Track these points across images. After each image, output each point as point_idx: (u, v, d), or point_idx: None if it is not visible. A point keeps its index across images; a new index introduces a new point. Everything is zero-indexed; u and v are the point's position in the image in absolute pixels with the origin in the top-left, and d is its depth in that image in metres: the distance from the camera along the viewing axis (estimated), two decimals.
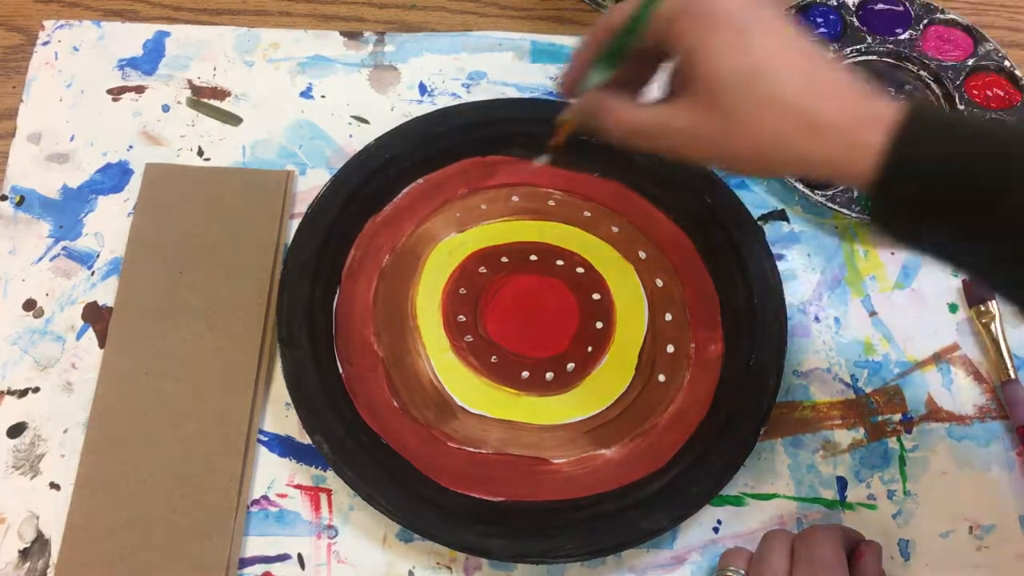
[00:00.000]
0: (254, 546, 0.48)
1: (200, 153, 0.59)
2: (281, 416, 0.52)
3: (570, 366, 0.53)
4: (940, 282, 0.57)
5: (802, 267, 0.57)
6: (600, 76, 0.42)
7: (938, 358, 0.55)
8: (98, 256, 0.56)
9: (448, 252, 0.56)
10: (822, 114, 0.36)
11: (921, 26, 0.64)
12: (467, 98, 0.61)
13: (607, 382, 0.53)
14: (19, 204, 0.57)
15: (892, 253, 0.58)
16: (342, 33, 0.64)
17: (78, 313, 0.54)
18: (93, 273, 0.55)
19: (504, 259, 0.56)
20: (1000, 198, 0.34)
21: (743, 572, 0.45)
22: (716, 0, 0.38)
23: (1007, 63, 0.63)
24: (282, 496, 0.50)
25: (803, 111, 0.37)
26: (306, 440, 0.50)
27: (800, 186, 0.57)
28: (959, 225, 0.35)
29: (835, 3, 0.65)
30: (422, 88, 0.62)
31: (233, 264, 0.54)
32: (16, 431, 0.51)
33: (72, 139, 0.59)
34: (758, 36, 0.37)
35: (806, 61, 0.37)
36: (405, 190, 0.57)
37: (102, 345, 0.53)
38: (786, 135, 0.37)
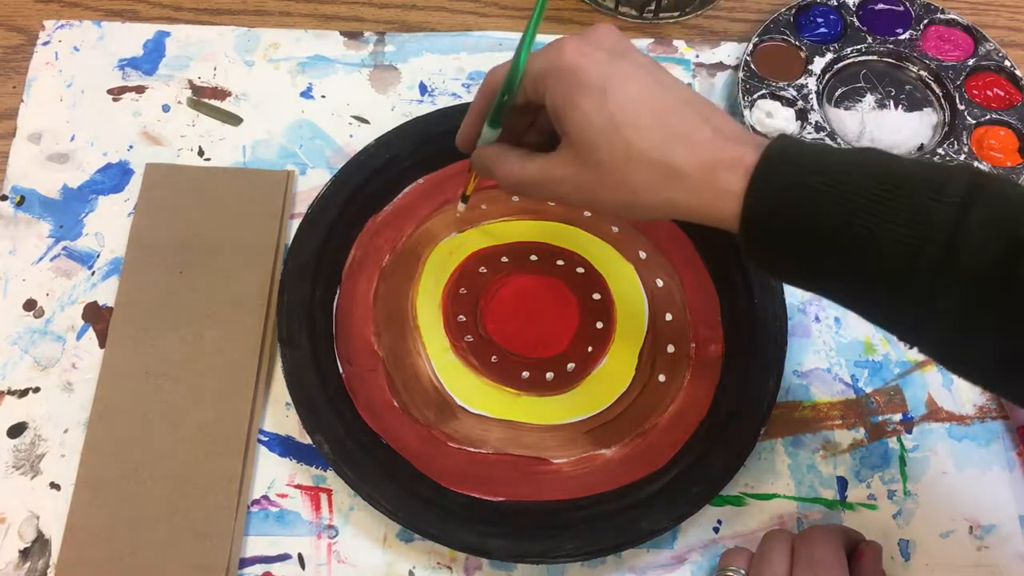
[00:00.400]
0: (254, 546, 0.48)
1: (200, 153, 0.59)
2: (281, 416, 0.52)
3: (570, 366, 0.53)
4: None
5: None
6: (490, 133, 0.45)
7: None
8: (98, 256, 0.56)
9: (448, 252, 0.56)
10: (681, 162, 0.38)
11: (921, 26, 0.64)
12: (467, 98, 0.61)
13: (607, 382, 0.53)
14: (19, 204, 0.57)
15: None
16: (342, 33, 0.64)
17: (78, 313, 0.54)
18: (93, 273, 0.55)
19: (504, 259, 0.56)
20: (840, 238, 0.35)
21: (743, 572, 0.45)
22: (577, 56, 0.40)
23: (1007, 63, 0.63)
24: (282, 496, 0.50)
25: (662, 160, 0.38)
26: (306, 440, 0.50)
27: None
28: (814, 266, 0.37)
29: (835, 3, 0.65)
30: (422, 88, 0.62)
31: (233, 264, 0.54)
32: (16, 431, 0.51)
33: (72, 139, 0.59)
34: (616, 89, 0.39)
35: (664, 109, 0.39)
36: (405, 190, 0.57)
37: (102, 345, 0.53)
38: (651, 184, 0.39)
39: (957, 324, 0.34)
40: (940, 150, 0.59)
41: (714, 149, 0.38)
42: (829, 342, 0.55)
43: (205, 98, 0.61)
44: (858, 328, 0.55)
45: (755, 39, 0.63)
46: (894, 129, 0.61)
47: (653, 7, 0.65)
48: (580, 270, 0.56)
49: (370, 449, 0.49)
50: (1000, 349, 0.34)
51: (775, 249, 0.37)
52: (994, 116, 0.61)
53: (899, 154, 0.37)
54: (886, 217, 0.34)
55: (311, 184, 0.58)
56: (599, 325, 0.54)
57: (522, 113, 0.45)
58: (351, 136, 0.60)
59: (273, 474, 0.50)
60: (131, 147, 0.59)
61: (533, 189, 0.43)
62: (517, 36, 0.64)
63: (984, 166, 0.58)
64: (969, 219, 0.33)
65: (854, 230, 0.34)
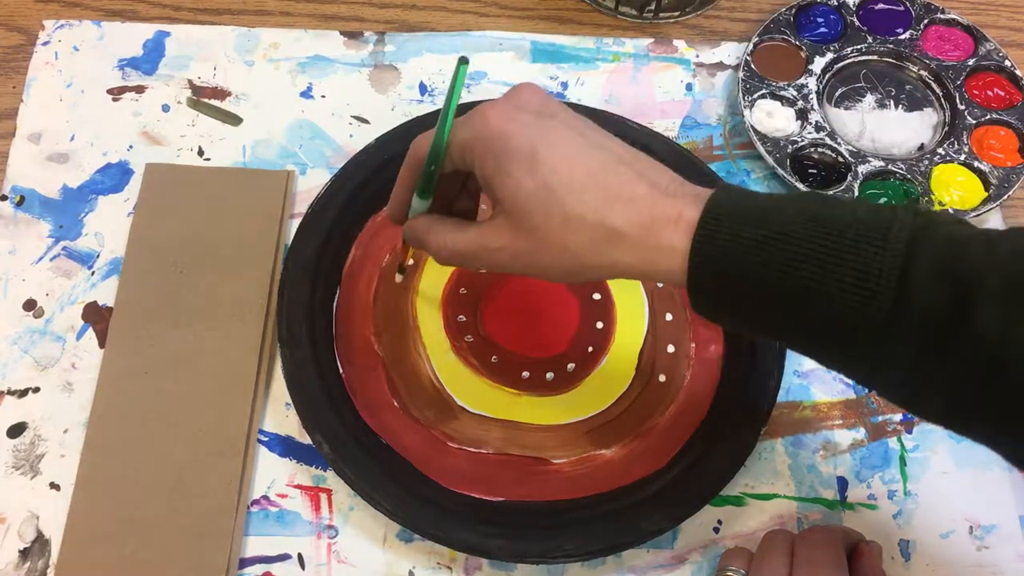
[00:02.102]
0: (254, 546, 0.48)
1: (200, 153, 0.59)
2: (281, 416, 0.52)
3: (570, 366, 0.53)
4: None
5: None
6: (420, 204, 0.43)
7: None
8: (98, 256, 0.56)
9: None
10: (619, 223, 0.37)
11: (921, 26, 0.64)
12: (467, 98, 0.61)
13: (607, 382, 0.53)
14: (19, 204, 0.57)
15: None
16: (342, 33, 0.64)
17: (78, 313, 0.54)
18: (93, 273, 0.55)
19: None
20: (787, 291, 0.34)
21: (743, 572, 0.45)
22: (503, 122, 0.39)
23: (1007, 63, 0.63)
24: (282, 496, 0.50)
25: (599, 223, 0.37)
26: (306, 440, 0.50)
27: (800, 186, 0.57)
28: (763, 319, 0.36)
29: (835, 3, 0.65)
30: (422, 88, 0.62)
31: (233, 264, 0.54)
32: (16, 431, 0.51)
33: (72, 139, 0.59)
34: (546, 152, 0.38)
35: (597, 169, 0.38)
36: None
37: (102, 345, 0.53)
38: (591, 246, 0.38)
39: (910, 370, 0.34)
40: (940, 150, 0.59)
41: (652, 206, 0.37)
42: None
43: (205, 98, 0.61)
44: None
45: (755, 39, 0.63)
46: (894, 129, 0.61)
47: (653, 7, 0.65)
48: None
49: (370, 449, 0.49)
50: (953, 393, 0.33)
51: (722, 304, 0.37)
52: (994, 116, 0.61)
53: (841, 196, 0.36)
54: (832, 269, 0.33)
55: (311, 184, 0.58)
56: (599, 325, 0.54)
57: (451, 181, 0.44)
58: (351, 136, 0.60)
59: (273, 474, 0.50)
60: (131, 147, 0.59)
61: (469, 260, 0.42)
62: (517, 36, 0.64)
63: (984, 166, 0.58)
64: (916, 265, 0.32)
65: (801, 283, 0.34)
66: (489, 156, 0.39)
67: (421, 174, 0.42)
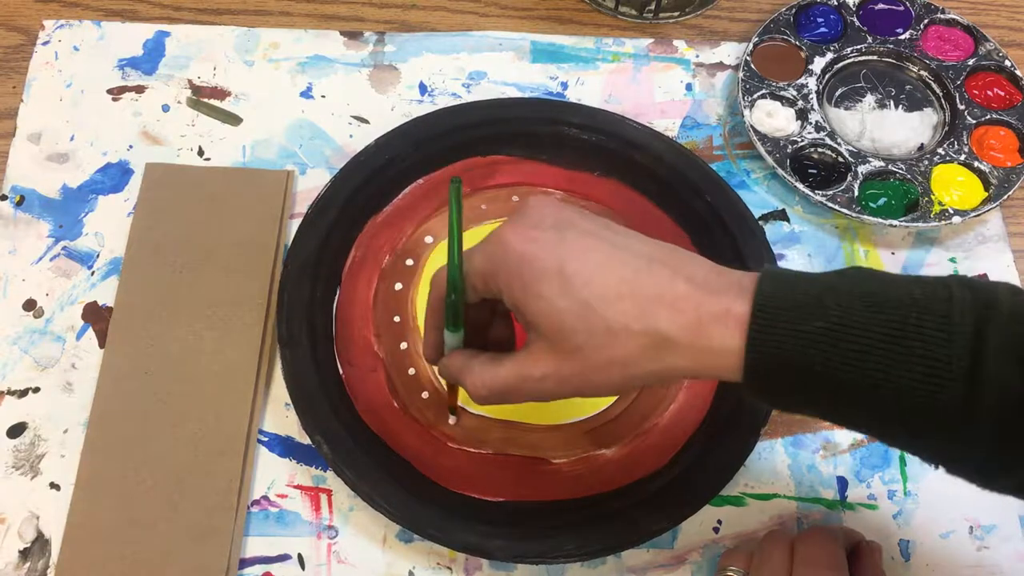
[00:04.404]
0: (254, 546, 0.48)
1: (200, 153, 0.59)
2: (281, 416, 0.52)
3: None
4: None
5: (802, 267, 0.57)
6: (452, 337, 0.42)
7: None
8: (98, 256, 0.56)
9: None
10: (665, 328, 0.36)
11: (921, 26, 0.64)
12: (467, 98, 0.61)
13: None
14: (19, 204, 0.57)
15: (892, 253, 0.58)
16: (342, 33, 0.64)
17: (78, 313, 0.54)
18: (93, 273, 0.55)
19: None
20: (852, 382, 0.33)
21: (743, 572, 0.45)
22: (523, 244, 0.37)
23: (1007, 63, 0.63)
24: (282, 496, 0.50)
25: (645, 330, 0.36)
26: (306, 440, 0.50)
27: (800, 186, 0.57)
28: (828, 407, 0.36)
29: (835, 3, 0.65)
30: (422, 88, 0.62)
31: (233, 264, 0.54)
32: (16, 431, 0.51)
33: (72, 139, 0.59)
34: (573, 268, 0.36)
35: (629, 273, 0.36)
36: (405, 190, 0.57)
37: (102, 345, 0.53)
38: (640, 356, 0.36)
39: (991, 453, 0.33)
40: (940, 150, 0.59)
41: (697, 306, 0.35)
42: None
43: (205, 98, 0.61)
44: None
45: (755, 39, 0.63)
46: (894, 129, 0.61)
47: (653, 7, 0.65)
48: None
49: (370, 449, 0.49)
50: None
51: (781, 397, 0.36)
52: (994, 116, 0.61)
53: (888, 274, 0.36)
54: (900, 361, 0.32)
55: (311, 184, 0.58)
56: None
57: (480, 308, 0.42)
58: (351, 136, 0.60)
59: (273, 474, 0.50)
60: (131, 147, 0.59)
61: (511, 395, 0.40)
62: (517, 36, 0.64)
63: (984, 166, 0.58)
64: (985, 349, 0.31)
65: (867, 377, 0.33)
66: (516, 282, 0.37)
67: (445, 308, 0.41)
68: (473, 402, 0.42)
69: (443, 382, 0.52)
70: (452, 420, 0.51)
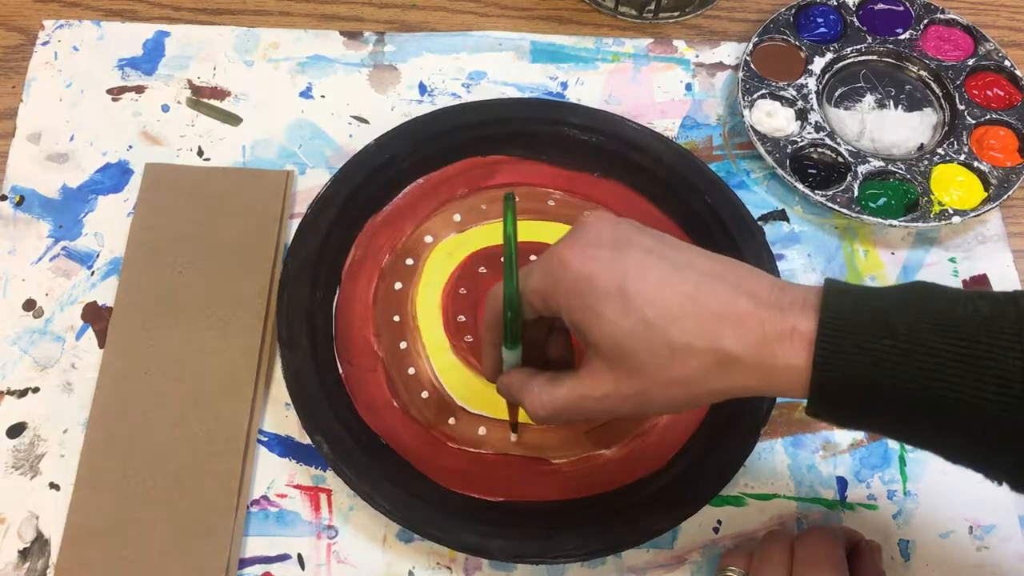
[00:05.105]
0: (254, 546, 0.48)
1: (200, 153, 0.59)
2: (281, 416, 0.52)
3: None
4: (940, 282, 0.57)
5: (802, 267, 0.57)
6: (511, 355, 0.42)
7: None
8: (98, 256, 0.56)
9: (448, 252, 0.56)
10: (729, 346, 0.35)
11: (921, 26, 0.64)
12: (467, 98, 0.61)
13: None
14: (19, 204, 0.57)
15: (892, 253, 0.58)
16: (342, 33, 0.64)
17: (78, 313, 0.54)
18: (93, 273, 0.55)
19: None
20: (922, 401, 0.33)
21: (743, 572, 0.45)
22: (582, 263, 0.37)
23: (1007, 63, 0.63)
24: (282, 496, 0.50)
25: (708, 348, 0.36)
26: (306, 440, 0.50)
27: (800, 186, 0.57)
28: (895, 425, 0.35)
29: (835, 3, 0.65)
30: (422, 88, 0.62)
31: (233, 264, 0.54)
32: (16, 431, 0.51)
33: (72, 139, 0.59)
34: (634, 287, 0.36)
35: (691, 291, 0.36)
36: (405, 190, 0.57)
37: (102, 345, 0.53)
38: (704, 374, 0.36)
39: None
40: (940, 150, 0.59)
41: (761, 323, 0.35)
42: None
43: (205, 98, 0.61)
44: None
45: (755, 39, 0.63)
46: (894, 129, 0.61)
47: (653, 7, 0.65)
48: None
49: (370, 449, 0.49)
50: None
51: (848, 415, 0.36)
52: (994, 116, 0.61)
53: (952, 289, 0.35)
54: (972, 378, 0.32)
55: (311, 184, 0.58)
56: None
57: (537, 325, 0.42)
58: (351, 136, 0.60)
59: (273, 474, 0.50)
60: (131, 147, 0.59)
61: (571, 413, 0.40)
62: (517, 36, 0.64)
63: (984, 166, 0.58)
64: None
65: (937, 395, 0.33)
66: (575, 301, 0.37)
67: (503, 325, 0.41)
68: (537, 421, 0.41)
69: (447, 386, 0.52)
70: (513, 438, 0.50)
